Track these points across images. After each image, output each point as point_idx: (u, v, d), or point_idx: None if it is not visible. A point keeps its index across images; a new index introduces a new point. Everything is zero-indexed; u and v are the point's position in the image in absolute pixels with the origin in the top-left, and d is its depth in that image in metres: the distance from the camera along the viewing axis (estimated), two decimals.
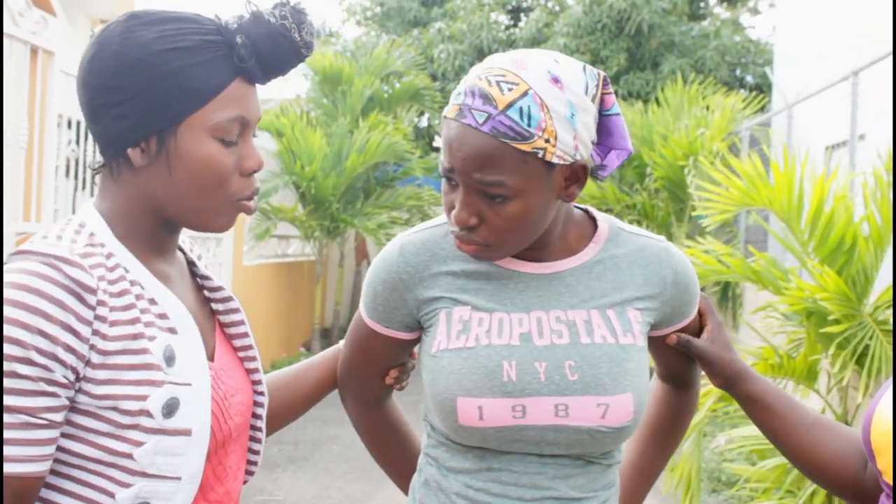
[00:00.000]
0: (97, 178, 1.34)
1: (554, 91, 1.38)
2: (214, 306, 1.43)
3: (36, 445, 1.14)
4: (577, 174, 1.44)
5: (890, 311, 3.99)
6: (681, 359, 1.67)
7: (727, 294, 9.30)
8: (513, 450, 1.48)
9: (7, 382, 1.12)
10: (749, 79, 16.33)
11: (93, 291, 1.17)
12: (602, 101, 1.49)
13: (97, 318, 1.18)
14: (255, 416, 1.45)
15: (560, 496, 1.48)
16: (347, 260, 12.72)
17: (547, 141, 1.37)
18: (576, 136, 1.40)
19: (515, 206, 1.40)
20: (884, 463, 1.30)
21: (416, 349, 1.65)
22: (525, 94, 1.36)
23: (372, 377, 1.65)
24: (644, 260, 1.56)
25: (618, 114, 1.50)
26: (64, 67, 5.35)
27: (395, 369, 1.65)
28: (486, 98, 1.36)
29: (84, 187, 6.10)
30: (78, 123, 6.01)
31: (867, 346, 3.81)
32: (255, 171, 1.32)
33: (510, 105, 1.35)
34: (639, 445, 1.76)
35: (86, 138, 5.95)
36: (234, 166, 1.30)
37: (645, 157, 9.68)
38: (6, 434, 1.12)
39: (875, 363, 3.69)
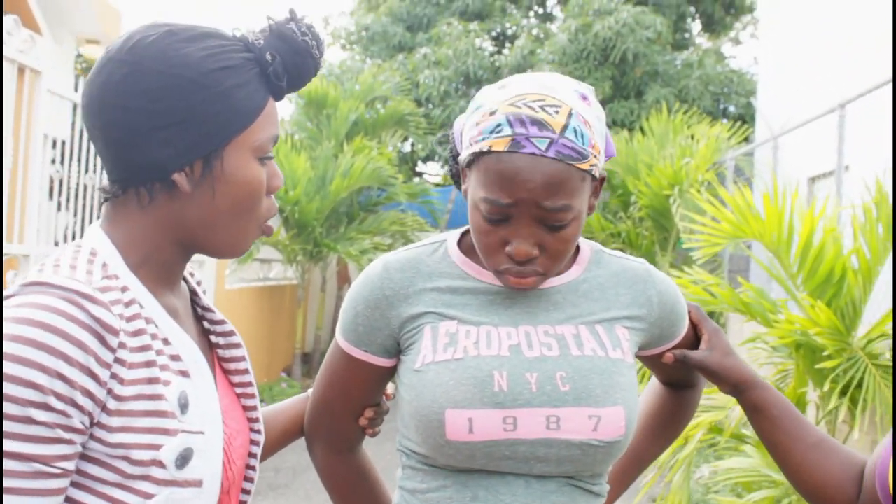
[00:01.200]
0: (105, 205, 1.26)
1: (586, 107, 1.39)
2: (214, 339, 1.37)
3: (47, 496, 1.06)
4: (598, 186, 1.46)
5: (881, 344, 3.99)
6: (679, 368, 1.67)
7: None
8: (501, 469, 1.43)
9: (21, 429, 1.03)
10: (732, 109, 16.45)
11: (115, 333, 1.10)
12: None
13: (117, 360, 1.11)
14: (251, 455, 1.38)
15: None
16: (329, 284, 12.66)
17: (595, 156, 1.38)
18: (604, 149, 1.43)
19: (573, 228, 1.40)
20: None
21: (389, 390, 1.61)
22: (570, 114, 1.36)
23: (345, 416, 1.59)
24: (628, 281, 1.55)
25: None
26: (50, 87, 5.31)
27: (369, 409, 1.59)
28: (541, 124, 1.33)
29: (66, 208, 6.04)
30: (63, 143, 5.96)
31: (859, 380, 3.79)
32: (280, 188, 1.30)
33: (565, 127, 1.34)
34: (637, 432, 1.72)
35: (70, 159, 5.90)
36: (265, 187, 1.27)
37: (630, 185, 9.70)
38: (17, 483, 1.04)
39: (869, 397, 3.68)
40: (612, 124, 15.12)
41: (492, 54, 17.20)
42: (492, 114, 1.37)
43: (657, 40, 15.66)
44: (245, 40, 1.25)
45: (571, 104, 1.37)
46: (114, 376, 1.10)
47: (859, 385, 3.83)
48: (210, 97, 1.18)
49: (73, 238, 6.07)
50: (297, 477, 6.78)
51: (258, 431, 1.38)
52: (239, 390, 1.38)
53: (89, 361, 1.07)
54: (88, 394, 1.07)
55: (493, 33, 18.05)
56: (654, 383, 1.80)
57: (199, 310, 1.37)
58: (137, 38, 1.19)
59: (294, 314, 11.61)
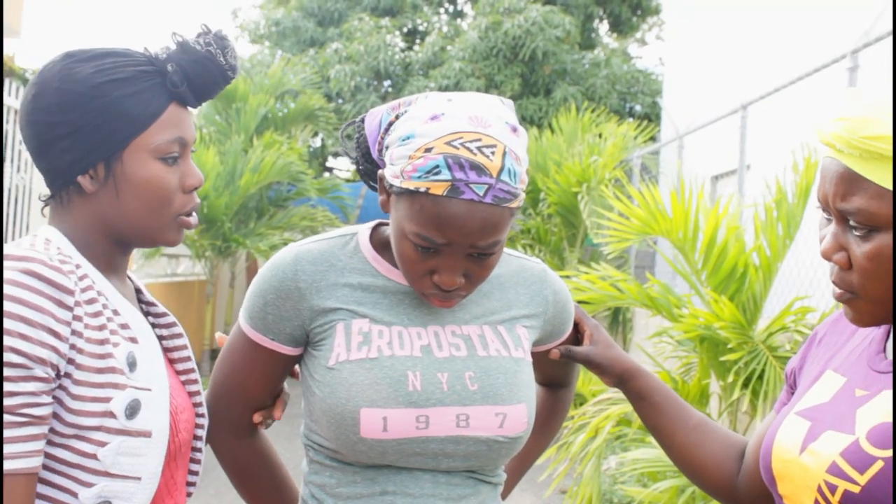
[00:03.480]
0: (46, 210, 1.44)
1: (516, 141, 1.43)
2: (158, 331, 1.50)
3: (19, 442, 1.20)
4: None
5: (781, 337, 4.14)
6: (559, 366, 1.78)
7: (618, 318, 9.49)
8: (410, 465, 1.48)
9: None
10: (638, 108, 16.77)
11: (70, 293, 1.25)
12: None
13: (75, 318, 1.25)
14: (196, 437, 1.50)
15: None
16: (238, 280, 12.53)
17: (523, 190, 1.43)
18: None
19: (497, 256, 1.46)
20: (786, 489, 1.36)
21: (297, 368, 1.63)
22: (504, 153, 1.39)
23: (246, 402, 1.61)
24: (526, 280, 1.64)
25: None
26: None
27: (258, 413, 1.61)
28: (480, 169, 1.36)
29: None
30: (19, 153, 5.85)
31: (760, 371, 3.93)
32: (196, 188, 1.43)
33: (501, 170, 1.38)
34: None
35: (34, 167, 5.78)
36: (177, 184, 1.41)
37: (539, 182, 9.81)
38: None
39: (770, 388, 3.82)
40: (522, 120, 15.28)
41: (403, 50, 17.20)
42: (427, 150, 1.38)
43: (566, 39, 15.88)
44: (147, 55, 1.40)
45: (505, 141, 1.40)
46: (74, 332, 1.25)
47: (760, 377, 3.98)
48: (99, 107, 1.33)
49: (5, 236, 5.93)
50: (206, 475, 6.70)
51: (202, 415, 1.51)
52: (183, 377, 1.50)
53: (47, 320, 1.22)
54: (49, 347, 1.22)
55: (405, 29, 18.05)
56: None
57: (143, 306, 1.51)
58: (46, 64, 1.37)
59: (203, 310, 11.46)
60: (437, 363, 1.49)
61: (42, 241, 1.33)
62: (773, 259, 4.28)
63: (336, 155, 17.73)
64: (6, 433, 1.18)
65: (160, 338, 1.49)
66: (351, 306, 1.51)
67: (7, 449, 1.18)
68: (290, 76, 12.94)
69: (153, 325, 1.49)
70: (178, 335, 1.51)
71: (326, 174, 16.94)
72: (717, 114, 7.24)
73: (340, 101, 16.25)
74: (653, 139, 11.33)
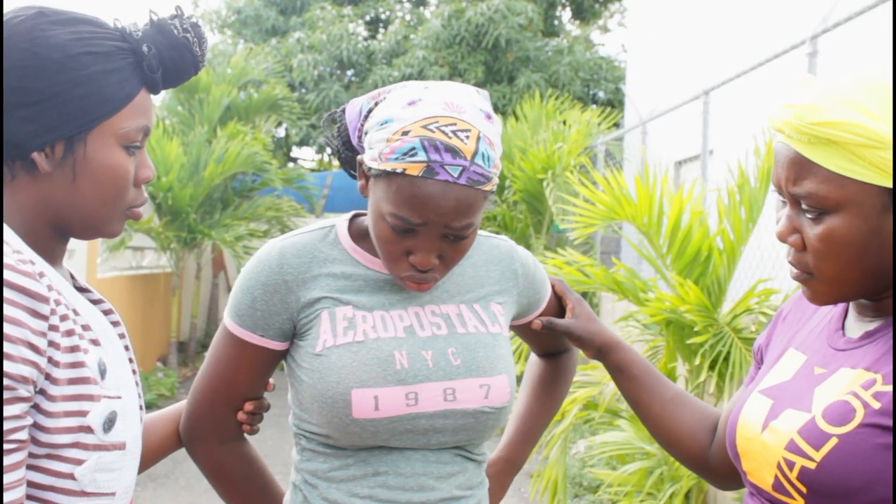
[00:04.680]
0: None
1: (490, 127, 1.48)
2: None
3: (9, 472, 1.09)
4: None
5: (745, 319, 4.20)
6: (550, 336, 1.85)
7: None
8: (401, 444, 1.53)
9: None
10: (601, 95, 16.85)
11: (46, 300, 1.13)
12: None
13: (51, 327, 1.14)
14: None
15: (445, 497, 1.56)
16: (205, 272, 12.46)
17: (496, 175, 1.48)
18: None
19: (471, 239, 1.52)
20: (749, 465, 1.40)
21: (270, 381, 1.66)
22: (479, 138, 1.44)
23: (231, 405, 1.62)
24: (496, 258, 1.70)
25: None
26: None
27: (249, 402, 1.62)
28: (454, 151, 1.41)
29: None
30: None
31: (726, 353, 3.99)
32: (149, 181, 1.32)
33: (475, 153, 1.43)
34: (527, 401, 1.90)
35: None
36: (133, 176, 1.29)
37: (504, 170, 9.84)
38: None
39: (735, 369, 3.87)
40: None
41: (366, 39, 17.15)
42: (404, 134, 1.43)
43: (528, 27, 15.91)
44: (122, 30, 1.27)
45: (479, 127, 1.45)
46: (52, 344, 1.14)
47: (726, 359, 4.04)
48: (74, 80, 1.19)
49: None
50: (177, 466, 6.70)
51: (140, 407, 1.39)
52: None
53: (25, 334, 1.10)
54: (30, 363, 1.11)
55: (367, 18, 18.00)
56: (532, 358, 1.96)
57: (80, 293, 1.37)
58: (9, 17, 1.21)
59: (169, 302, 11.39)
60: (420, 342, 1.56)
61: None
62: (736, 242, 4.33)
63: (301, 144, 17.66)
64: (7, 460, 1.09)
65: None
66: (334, 294, 1.56)
67: (4, 479, 1.08)
68: (253, 66, 12.85)
69: None
70: (117, 322, 1.38)
71: (291, 164, 16.88)
72: (680, 100, 7.30)
73: (304, 90, 16.18)
74: (616, 125, 11.40)
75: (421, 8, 18.39)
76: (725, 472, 1.61)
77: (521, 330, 1.83)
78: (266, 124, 13.01)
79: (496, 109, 15.21)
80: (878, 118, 1.22)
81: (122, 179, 1.27)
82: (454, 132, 1.43)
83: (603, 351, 1.76)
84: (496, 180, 1.48)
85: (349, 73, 16.80)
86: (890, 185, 1.23)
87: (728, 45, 8.02)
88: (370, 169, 1.48)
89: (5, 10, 1.24)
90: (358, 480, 1.54)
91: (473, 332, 1.60)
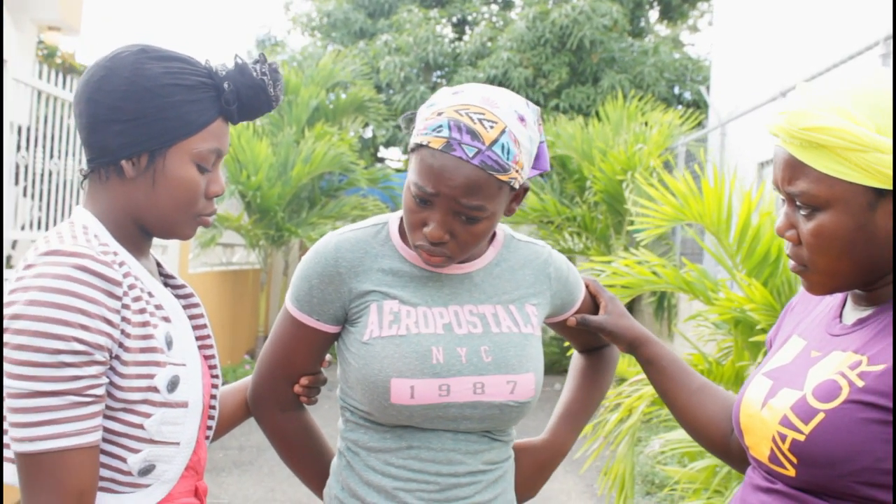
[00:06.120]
0: (85, 185, 1.56)
1: (521, 128, 1.62)
2: (179, 301, 1.64)
3: (86, 419, 1.35)
4: (520, 194, 1.71)
5: None
6: (586, 333, 2.00)
7: (662, 304, 9.57)
8: (433, 426, 1.70)
9: (56, 372, 1.33)
10: (687, 95, 16.73)
11: (119, 284, 1.39)
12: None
13: (124, 306, 1.41)
14: (213, 396, 1.67)
15: (471, 469, 1.73)
16: (291, 269, 12.77)
17: (517, 171, 1.61)
18: (531, 165, 1.67)
19: (484, 225, 1.65)
20: (750, 440, 1.53)
21: (327, 358, 1.85)
22: (503, 131, 1.59)
23: (290, 378, 1.82)
24: (532, 262, 1.85)
25: (544, 140, 1.74)
26: (15, 75, 5.41)
27: (306, 377, 1.81)
28: (474, 134, 1.56)
29: (31, 195, 6.13)
30: (28, 129, 6.06)
31: None
32: (218, 195, 1.57)
33: (494, 142, 1.57)
34: (571, 392, 2.03)
35: (35, 145, 6.00)
36: (204, 189, 1.55)
37: (585, 171, 9.92)
38: (59, 415, 1.33)
39: None
40: (569, 108, 15.35)
41: (452, 41, 17.34)
42: (439, 114, 1.60)
43: (613, 28, 15.90)
44: (209, 69, 1.54)
45: (507, 123, 1.60)
46: (124, 319, 1.41)
47: None
48: (160, 105, 1.46)
49: (39, 222, 6.18)
50: (261, 454, 6.96)
51: (216, 377, 1.68)
52: (200, 342, 1.67)
53: (101, 311, 1.37)
54: (105, 334, 1.37)
55: (454, 20, 18.19)
56: (576, 355, 2.11)
57: (164, 278, 1.67)
58: (119, 51, 1.51)
59: (257, 298, 11.73)
60: (457, 339, 1.71)
61: (81, 230, 1.46)
62: None
63: (387, 145, 17.93)
64: (77, 412, 1.34)
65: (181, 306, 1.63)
66: (383, 288, 1.73)
67: (80, 426, 1.34)
68: (341, 68, 13.13)
69: (175, 297, 1.64)
70: (196, 304, 1.67)
71: (378, 164, 17.14)
72: (759, 101, 7.28)
73: (391, 91, 16.42)
74: (700, 126, 11.36)
75: (507, 10, 18.51)
76: (744, 456, 1.71)
77: (560, 328, 1.96)
78: (353, 125, 13.27)
79: (579, 111, 15.24)
80: (862, 123, 1.34)
81: (192, 191, 1.52)
82: (480, 120, 1.58)
83: (634, 345, 1.88)
84: (516, 176, 1.62)
85: (435, 74, 16.99)
86: (874, 184, 1.34)
87: (807, 45, 7.97)
88: (410, 147, 1.66)
89: (119, 44, 1.54)
90: (393, 452, 1.71)
91: (507, 332, 1.74)
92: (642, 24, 18.22)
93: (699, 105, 15.67)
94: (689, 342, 4.84)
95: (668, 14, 19.05)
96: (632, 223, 9.21)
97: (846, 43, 5.86)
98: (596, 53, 15.73)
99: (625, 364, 5.03)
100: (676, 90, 16.82)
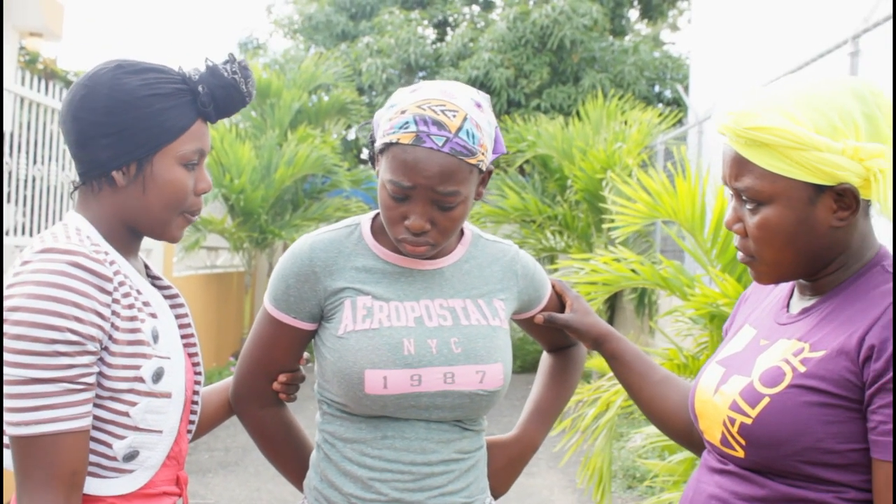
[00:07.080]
0: (76, 195, 1.65)
1: (479, 114, 1.72)
2: (165, 301, 1.72)
3: (78, 405, 1.45)
4: (486, 177, 1.80)
5: None
6: (553, 332, 2.06)
7: (643, 301, 9.66)
8: (406, 416, 1.78)
9: (50, 360, 1.43)
10: (667, 93, 16.85)
11: (109, 280, 1.50)
12: None
13: (114, 301, 1.51)
14: (195, 392, 1.76)
15: (444, 458, 1.81)
16: None
17: (483, 154, 1.70)
18: (492, 148, 1.76)
19: (460, 210, 1.73)
20: (704, 425, 1.62)
21: (305, 356, 1.93)
22: (465, 118, 1.68)
23: (270, 375, 1.89)
24: (500, 260, 1.93)
25: (497, 126, 1.83)
26: None
27: (283, 374, 1.89)
28: (440, 125, 1.66)
29: (14, 201, 6.17)
30: (11, 135, 6.10)
31: None
32: (206, 192, 1.68)
33: (459, 129, 1.67)
34: (539, 390, 2.10)
35: (18, 151, 6.04)
36: (192, 187, 1.65)
37: (566, 170, 10.00)
38: (53, 401, 1.43)
39: None
40: (550, 108, 15.45)
41: (433, 42, 17.42)
42: (402, 112, 1.69)
43: (594, 27, 16.00)
44: (182, 74, 1.64)
45: (467, 110, 1.70)
46: (114, 313, 1.51)
47: None
48: (141, 116, 1.56)
49: (23, 227, 6.22)
50: (246, 455, 7.02)
51: (199, 373, 1.77)
52: (184, 340, 1.75)
53: (93, 304, 1.47)
54: (97, 326, 1.47)
55: (435, 21, 18.26)
56: (544, 355, 2.18)
57: (150, 278, 1.75)
58: (97, 69, 1.61)
59: (241, 300, 11.78)
60: (427, 331, 1.79)
61: (74, 231, 1.56)
62: None
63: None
64: (70, 398, 1.44)
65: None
66: (356, 285, 1.81)
67: (73, 411, 1.44)
68: (323, 70, 13.18)
69: (162, 296, 1.71)
70: (181, 304, 1.77)
71: (360, 166, 17.19)
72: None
73: (373, 93, 16.49)
74: (679, 124, 11.47)
75: (487, 11, 18.59)
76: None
77: (529, 326, 2.04)
78: (335, 127, 13.34)
79: (560, 111, 15.34)
80: (802, 123, 1.42)
81: (182, 191, 1.63)
82: (443, 111, 1.67)
83: (599, 341, 1.95)
84: (483, 159, 1.70)
85: (417, 76, 17.06)
86: (814, 181, 1.44)
87: (783, 44, 8.07)
88: (377, 148, 1.74)
89: (101, 60, 1.64)
90: (368, 442, 1.79)
91: (476, 325, 1.82)
92: (623, 23, 18.33)
93: (679, 103, 15.79)
94: (667, 337, 4.92)
95: (649, 13, 19.17)
96: (612, 221, 9.31)
97: (818, 42, 5.96)
98: (576, 53, 15.84)
99: (602, 360, 5.10)
100: (657, 89, 16.95)
